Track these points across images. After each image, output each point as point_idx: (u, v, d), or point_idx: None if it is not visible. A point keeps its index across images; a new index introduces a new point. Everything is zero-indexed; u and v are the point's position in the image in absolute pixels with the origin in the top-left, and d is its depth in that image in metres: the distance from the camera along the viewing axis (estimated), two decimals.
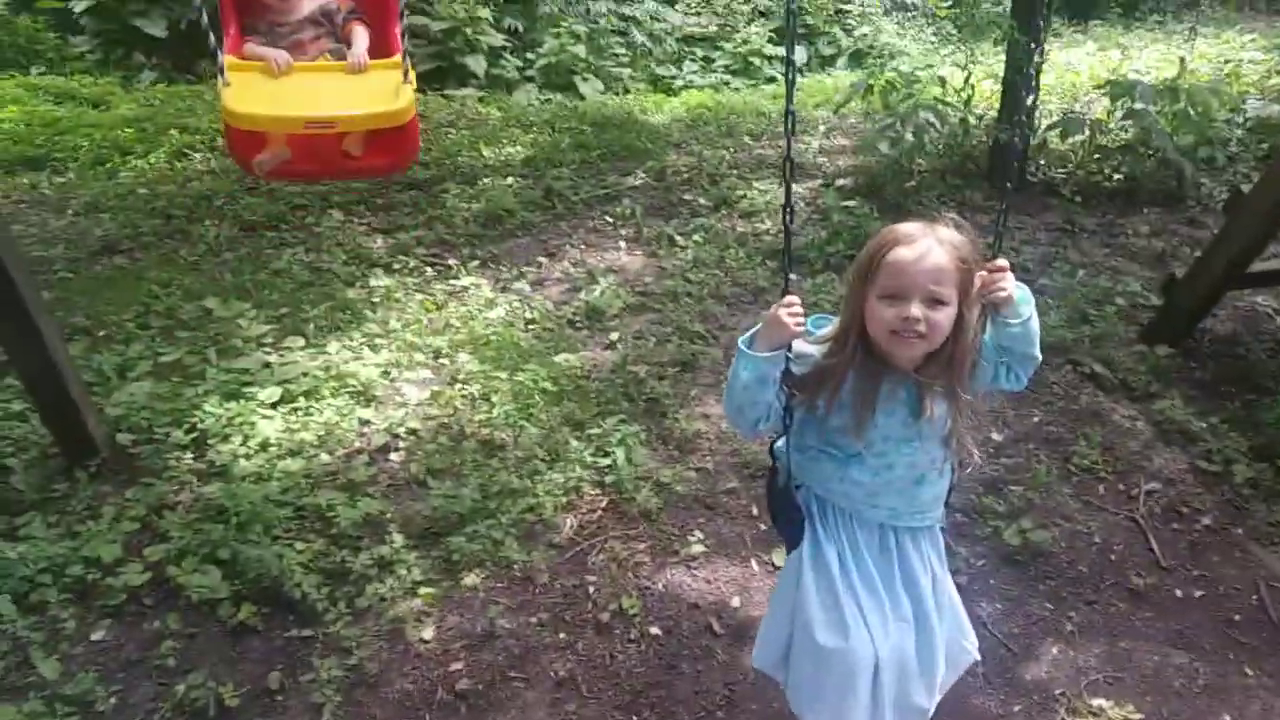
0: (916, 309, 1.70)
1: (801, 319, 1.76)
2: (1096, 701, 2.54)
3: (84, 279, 4.75)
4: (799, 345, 1.80)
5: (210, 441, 3.42)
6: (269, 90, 2.51)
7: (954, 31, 13.26)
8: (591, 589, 2.89)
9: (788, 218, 1.82)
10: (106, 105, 7.67)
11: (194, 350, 4.01)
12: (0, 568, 2.77)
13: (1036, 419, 3.78)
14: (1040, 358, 1.88)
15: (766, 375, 1.77)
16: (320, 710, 2.44)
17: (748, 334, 1.80)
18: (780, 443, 1.95)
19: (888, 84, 6.39)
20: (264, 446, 3.40)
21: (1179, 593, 2.93)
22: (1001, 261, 1.78)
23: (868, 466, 1.86)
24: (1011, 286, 1.77)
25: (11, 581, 2.74)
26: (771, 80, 11.71)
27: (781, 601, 2.03)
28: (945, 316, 1.72)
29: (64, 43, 9.04)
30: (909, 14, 15.03)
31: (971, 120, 6.33)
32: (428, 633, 2.71)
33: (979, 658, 2.14)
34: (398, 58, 2.62)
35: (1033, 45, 5.72)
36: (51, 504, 3.11)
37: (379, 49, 2.81)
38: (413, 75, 2.60)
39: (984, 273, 1.76)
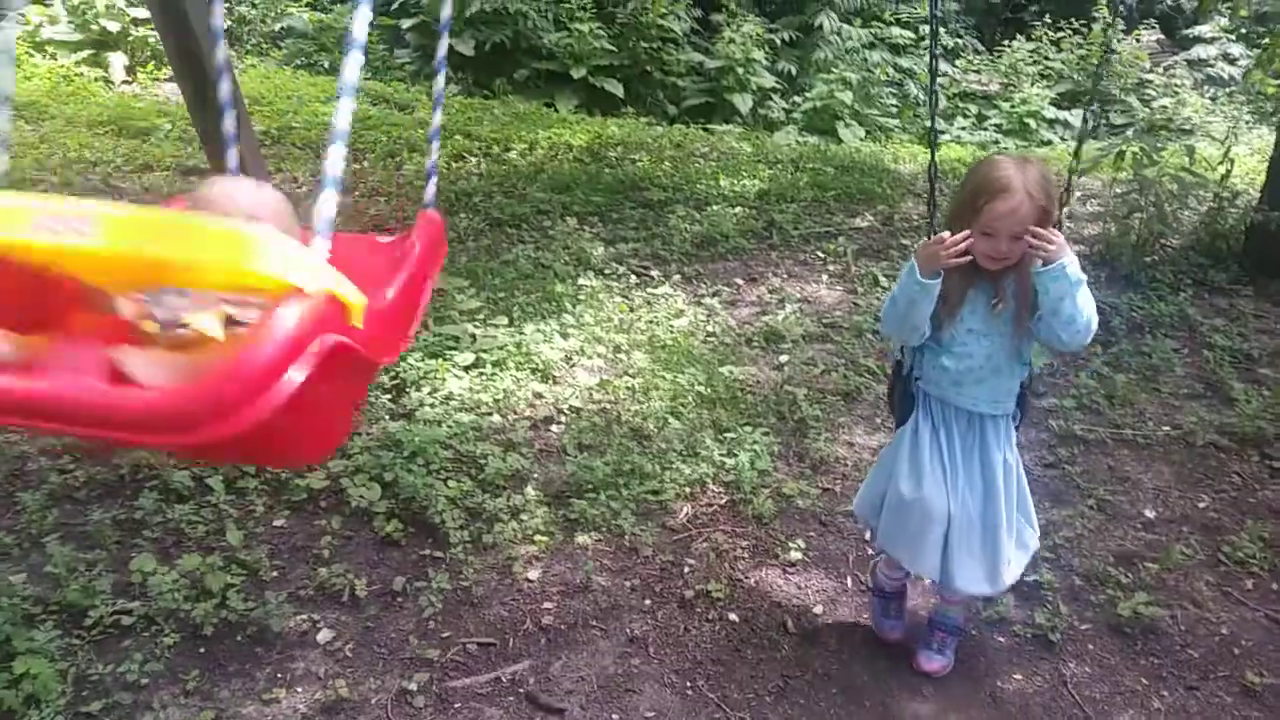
0: (1005, 245, 2.23)
1: (956, 250, 2.21)
2: None
3: None
4: None
5: (407, 389, 3.98)
6: None
7: (1269, 112, 12.15)
8: (687, 569, 3.12)
9: (933, 168, 2.61)
10: (411, 109, 8.82)
11: None
12: None
13: (1203, 504, 3.57)
14: (1070, 342, 2.29)
15: (933, 295, 2.29)
16: (423, 612, 2.85)
17: (910, 269, 2.29)
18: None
19: (1141, 151, 6.11)
20: (447, 399, 3.91)
21: None
22: (1054, 234, 2.19)
23: (954, 355, 2.42)
24: (1055, 249, 2.17)
25: (225, 467, 3.38)
26: (1047, 143, 11.31)
27: (884, 464, 2.66)
28: (1023, 244, 2.21)
29: (390, 54, 10.46)
30: (1226, 89, 13.92)
31: (1226, 197, 5.91)
32: (533, 574, 3.05)
33: (1038, 545, 2.65)
34: None
35: None
36: None
37: None
38: None
39: (1041, 232, 2.18)
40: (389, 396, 3.94)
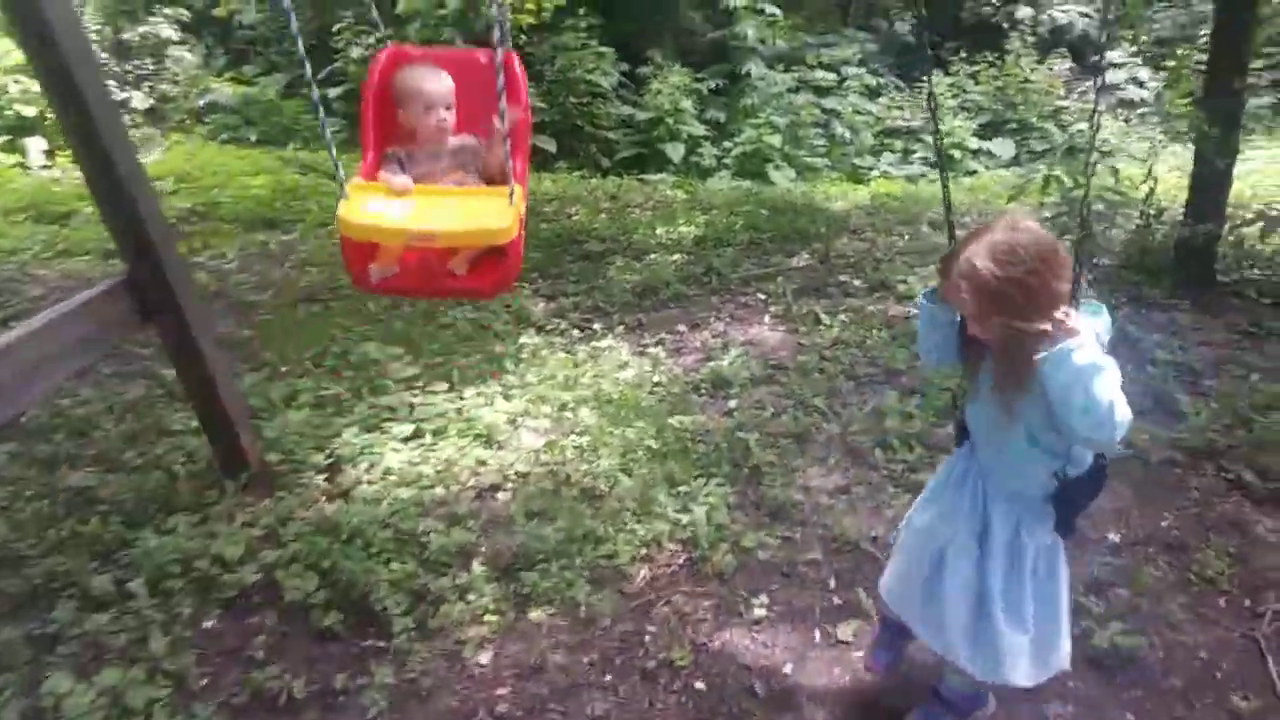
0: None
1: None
2: None
3: (281, 321, 5.39)
4: None
5: (342, 466, 3.80)
6: (383, 205, 2.50)
7: (1183, 130, 12.52)
8: (647, 638, 2.96)
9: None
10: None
11: (352, 387, 4.46)
12: (142, 555, 3.20)
13: (1165, 523, 3.51)
14: (1090, 435, 1.95)
15: (931, 319, 2.26)
16: (367, 712, 2.65)
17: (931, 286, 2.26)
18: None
19: (1067, 174, 6.18)
20: (386, 474, 3.74)
21: None
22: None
23: (973, 411, 2.30)
24: (1044, 331, 1.97)
25: (149, 568, 3.15)
26: (972, 174, 11.50)
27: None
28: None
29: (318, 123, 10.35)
30: (1139, 111, 14.33)
31: (1152, 214, 6.00)
32: (484, 658, 2.87)
33: (1067, 667, 2.39)
34: (508, 186, 2.48)
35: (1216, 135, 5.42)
36: (201, 508, 3.55)
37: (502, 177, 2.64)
38: (520, 201, 2.51)
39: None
40: (323, 476, 3.75)
